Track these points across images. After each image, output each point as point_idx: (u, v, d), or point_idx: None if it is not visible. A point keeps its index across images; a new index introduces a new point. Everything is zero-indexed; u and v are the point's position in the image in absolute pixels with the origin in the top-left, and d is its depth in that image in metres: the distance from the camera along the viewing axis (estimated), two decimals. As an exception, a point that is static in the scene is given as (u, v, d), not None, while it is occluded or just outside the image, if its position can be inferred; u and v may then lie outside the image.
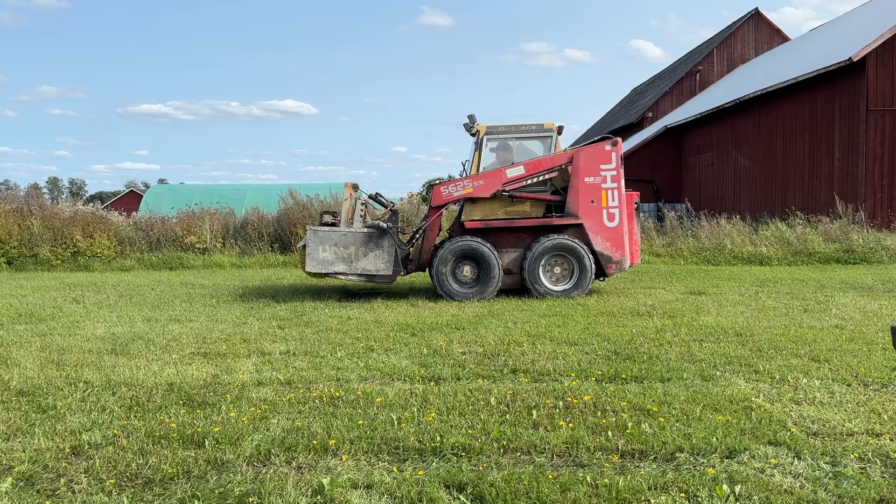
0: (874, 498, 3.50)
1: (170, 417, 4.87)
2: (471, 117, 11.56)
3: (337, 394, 5.40)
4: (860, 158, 19.16)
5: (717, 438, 4.26)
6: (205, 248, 19.38)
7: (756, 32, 37.49)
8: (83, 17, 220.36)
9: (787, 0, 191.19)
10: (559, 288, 11.14)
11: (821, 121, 20.93)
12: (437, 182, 11.62)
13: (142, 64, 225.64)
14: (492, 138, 11.54)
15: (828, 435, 4.39)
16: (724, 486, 3.57)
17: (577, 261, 11.11)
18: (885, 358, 6.31)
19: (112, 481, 3.82)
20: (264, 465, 4.03)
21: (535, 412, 4.84)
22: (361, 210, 11.38)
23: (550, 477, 3.75)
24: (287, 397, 5.32)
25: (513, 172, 11.18)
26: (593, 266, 11.12)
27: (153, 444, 4.34)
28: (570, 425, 4.56)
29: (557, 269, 11.22)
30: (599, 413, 4.82)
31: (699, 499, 3.51)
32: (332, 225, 11.47)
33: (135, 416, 4.93)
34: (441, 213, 11.59)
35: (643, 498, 3.52)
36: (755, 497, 3.51)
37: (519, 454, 4.16)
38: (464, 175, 11.81)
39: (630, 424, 4.54)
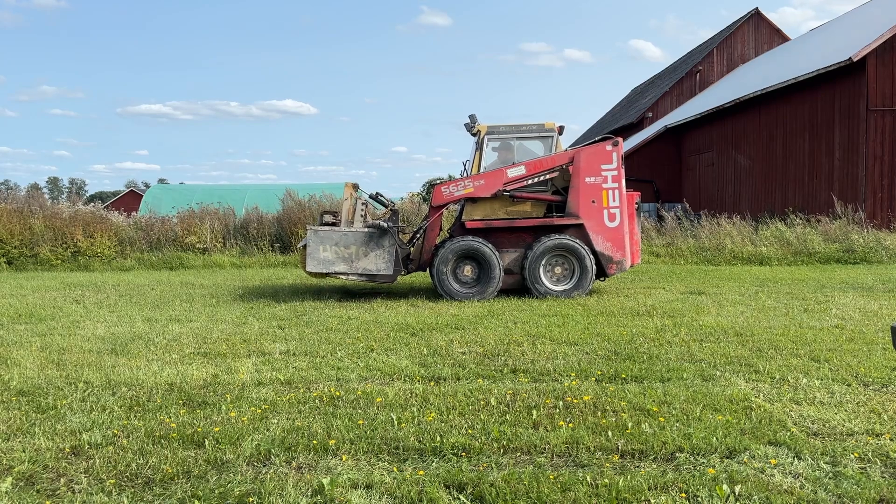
0: (874, 498, 3.50)
1: (170, 417, 4.87)
2: (472, 117, 11.57)
3: (337, 394, 5.40)
4: (860, 158, 19.16)
5: (717, 438, 4.26)
6: (205, 248, 19.38)
7: (756, 32, 37.49)
8: (82, 16, 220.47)
9: (786, 0, 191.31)
10: (560, 288, 11.13)
11: (821, 121, 20.93)
12: (438, 182, 11.59)
13: (141, 64, 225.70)
14: (493, 138, 11.54)
15: (828, 435, 4.39)
16: (724, 486, 3.57)
17: (578, 261, 11.10)
18: (885, 358, 6.31)
19: (112, 481, 3.82)
20: (264, 465, 4.03)
21: (535, 412, 4.84)
22: (362, 210, 11.37)
23: (550, 477, 3.75)
24: (287, 397, 5.32)
25: (514, 172, 11.17)
26: (594, 266, 11.12)
27: (153, 444, 4.34)
28: (570, 425, 4.56)
29: (558, 269, 11.22)
30: (599, 413, 4.82)
31: (699, 499, 3.51)
32: (333, 225, 11.45)
33: (135, 416, 4.93)
34: (442, 213, 11.58)
35: (643, 498, 3.52)
36: (755, 497, 3.51)
37: (519, 454, 4.16)
38: (464, 175, 11.82)
39: (630, 424, 4.54)
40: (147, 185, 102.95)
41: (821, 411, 4.83)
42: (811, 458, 4.01)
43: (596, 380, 5.77)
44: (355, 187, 11.56)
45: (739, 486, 3.60)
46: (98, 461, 4.07)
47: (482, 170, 11.41)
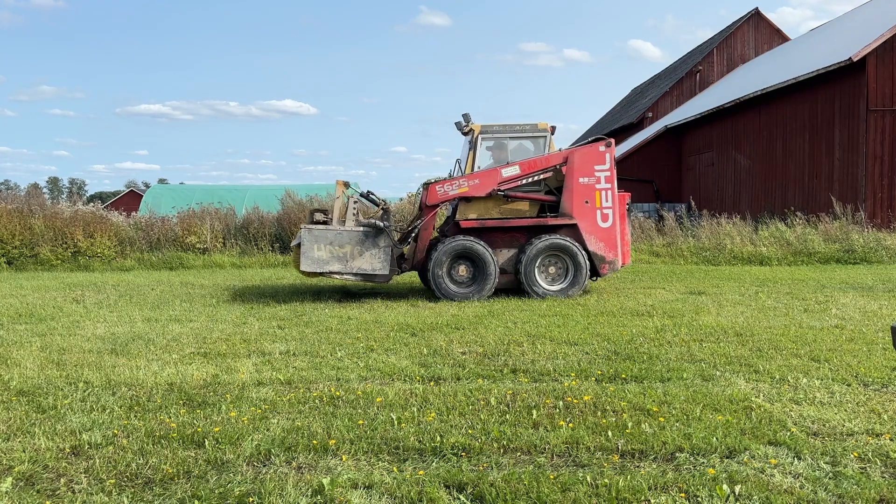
0: (874, 498, 3.50)
1: (170, 417, 4.87)
2: (465, 116, 11.54)
3: (337, 394, 5.40)
4: (860, 158, 19.16)
5: (717, 438, 4.26)
6: (205, 248, 19.38)
7: (756, 32, 37.49)
8: (81, 16, 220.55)
9: (785, 0, 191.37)
10: (555, 288, 11.18)
11: (821, 121, 20.93)
12: (433, 181, 11.50)
13: (140, 64, 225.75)
14: (486, 137, 11.53)
15: (828, 435, 4.39)
16: (724, 486, 3.57)
17: (573, 260, 11.17)
18: (885, 358, 6.31)
19: (112, 481, 3.82)
20: (264, 465, 4.03)
21: (535, 412, 4.84)
22: (354, 208, 11.26)
23: (550, 477, 3.75)
24: (287, 397, 5.32)
25: (508, 172, 11.19)
26: (588, 266, 11.18)
27: (153, 444, 4.34)
28: (570, 425, 4.56)
29: (552, 269, 11.27)
30: (599, 413, 4.82)
31: (699, 499, 3.51)
32: (324, 223, 11.26)
33: (135, 416, 4.93)
34: (436, 213, 11.53)
35: (643, 498, 3.52)
36: (755, 497, 3.51)
37: (519, 454, 4.16)
38: (455, 174, 11.83)
39: (630, 424, 4.54)
40: (147, 185, 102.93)
41: (821, 411, 4.83)
42: (811, 458, 4.01)
43: (596, 380, 5.77)
44: (346, 185, 11.47)
45: (739, 486, 3.60)
46: (98, 461, 4.07)
47: (476, 169, 11.39)
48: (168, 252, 19.09)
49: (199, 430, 4.56)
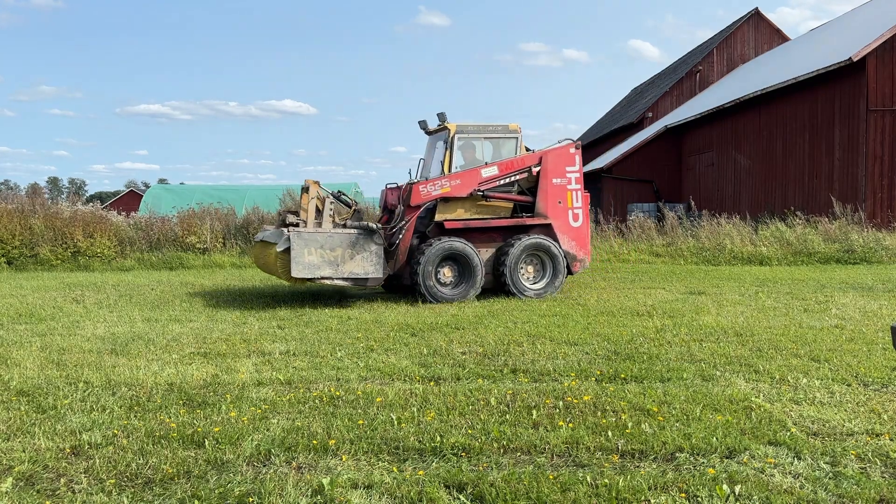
0: (874, 498, 3.50)
1: (170, 417, 4.87)
2: (440, 115, 11.45)
3: (337, 394, 5.40)
4: (860, 158, 19.16)
5: (717, 438, 4.26)
6: (205, 248, 19.38)
7: (756, 32, 37.48)
8: (80, 16, 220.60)
9: (784, 0, 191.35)
10: (536, 287, 11.27)
11: (821, 121, 20.92)
12: (415, 182, 11.30)
13: (140, 64, 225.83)
14: (462, 137, 11.49)
15: (828, 435, 4.39)
16: (724, 486, 3.57)
17: (552, 260, 11.32)
18: (885, 358, 6.31)
19: (112, 481, 3.82)
20: (264, 465, 4.03)
21: (535, 412, 4.84)
22: (331, 209, 10.77)
23: (550, 477, 3.75)
24: (287, 397, 5.32)
25: (488, 172, 11.22)
26: (566, 264, 11.36)
27: (153, 444, 4.34)
28: (570, 425, 4.56)
29: (531, 269, 11.37)
30: (599, 413, 4.82)
31: (699, 499, 3.51)
32: (296, 225, 10.68)
33: (135, 416, 4.93)
34: (418, 213, 11.20)
35: (643, 498, 3.52)
36: (755, 497, 3.50)
37: (519, 454, 4.16)
38: (421, 174, 11.88)
39: (630, 424, 4.54)
40: (147, 185, 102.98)
41: (821, 411, 4.83)
42: (811, 458, 4.01)
43: (596, 380, 5.77)
44: (317, 185, 11.02)
45: (739, 486, 3.60)
46: (98, 461, 4.07)
47: (454, 169, 11.33)
48: (168, 252, 19.08)
49: (199, 430, 4.56)
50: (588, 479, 3.71)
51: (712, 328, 7.95)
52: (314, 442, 4.31)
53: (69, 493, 3.71)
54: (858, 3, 29.14)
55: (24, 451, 4.25)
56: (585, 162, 40.51)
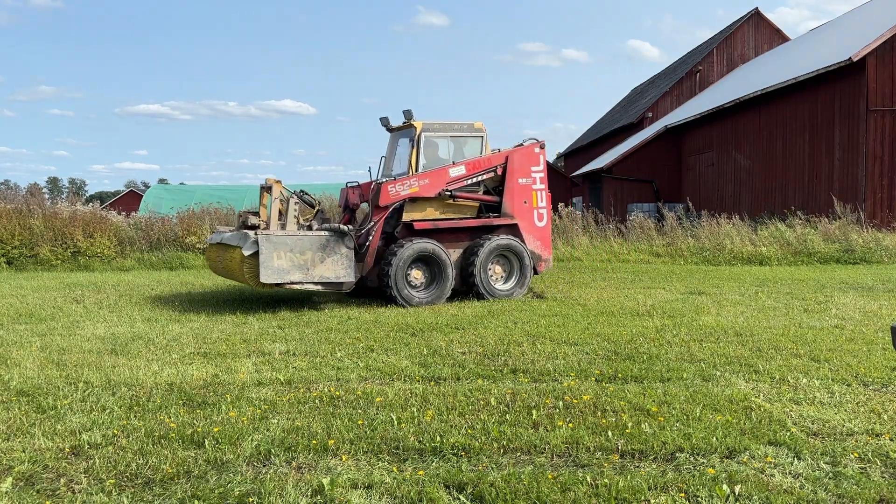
0: (874, 498, 3.50)
1: (170, 417, 4.87)
2: (407, 113, 11.34)
3: (337, 394, 5.40)
4: (860, 158, 19.15)
5: (717, 438, 4.26)
6: (205, 248, 19.36)
7: (756, 32, 37.48)
8: (80, 16, 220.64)
9: (783, 0, 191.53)
10: (505, 287, 11.27)
11: (821, 121, 20.92)
12: (384, 181, 11.04)
13: (139, 64, 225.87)
14: (429, 136, 11.35)
15: (828, 435, 4.39)
16: (724, 486, 3.57)
17: (519, 260, 11.32)
18: (885, 358, 6.31)
19: (112, 481, 3.82)
20: (264, 465, 4.03)
21: (535, 412, 4.84)
22: (295, 210, 10.33)
23: (550, 477, 3.75)
24: (287, 397, 5.32)
25: (455, 172, 11.12)
26: (532, 264, 11.40)
27: (153, 444, 4.34)
28: (570, 425, 4.56)
29: (499, 269, 11.36)
30: (599, 413, 4.82)
31: (699, 499, 3.51)
32: (255, 228, 10.27)
33: (135, 416, 4.93)
34: (386, 214, 10.90)
35: (643, 498, 3.52)
36: (755, 497, 3.50)
37: (519, 454, 4.16)
38: (383, 172, 11.85)
39: (630, 424, 4.54)
40: (147, 185, 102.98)
41: (821, 411, 4.83)
42: (811, 458, 4.01)
43: (596, 380, 5.77)
44: (280, 184, 10.65)
45: (739, 486, 3.60)
46: (98, 461, 4.07)
47: (420, 168, 11.12)
48: (168, 252, 19.08)
49: (199, 430, 4.56)
50: (588, 479, 3.71)
51: (712, 328, 7.95)
52: (314, 442, 4.31)
53: (69, 493, 3.71)
54: (858, 3, 29.15)
55: (23, 451, 4.25)
56: (586, 162, 40.58)
